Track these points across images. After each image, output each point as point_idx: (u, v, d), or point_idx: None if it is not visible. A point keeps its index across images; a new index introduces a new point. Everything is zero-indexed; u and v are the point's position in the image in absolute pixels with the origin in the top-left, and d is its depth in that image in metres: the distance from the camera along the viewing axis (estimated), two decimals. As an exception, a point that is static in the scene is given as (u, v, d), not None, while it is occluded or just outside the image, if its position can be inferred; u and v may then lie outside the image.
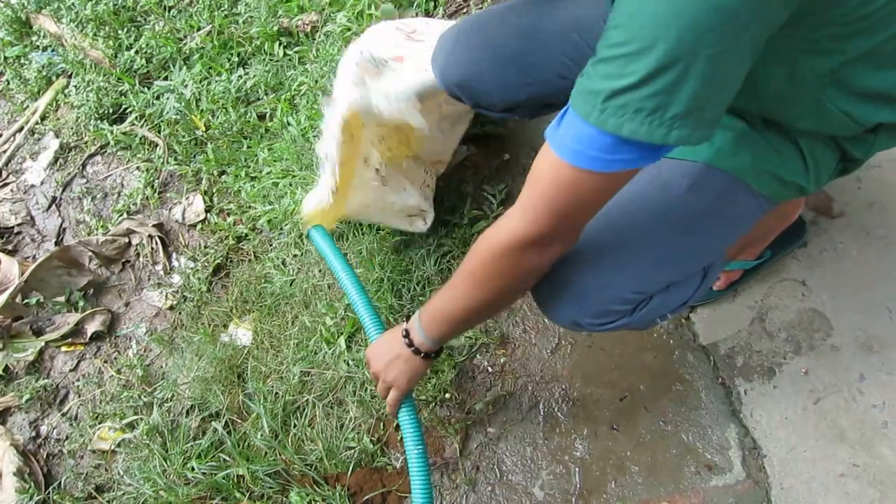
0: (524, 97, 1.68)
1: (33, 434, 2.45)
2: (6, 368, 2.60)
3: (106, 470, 2.26)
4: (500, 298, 1.38)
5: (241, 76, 3.01)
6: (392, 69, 1.86)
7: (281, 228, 2.53)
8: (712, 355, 1.93)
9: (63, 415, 2.45)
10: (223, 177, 2.81)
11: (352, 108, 1.83)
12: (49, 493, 2.26)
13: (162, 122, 3.01)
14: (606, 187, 1.08)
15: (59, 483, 2.28)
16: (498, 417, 1.98)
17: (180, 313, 2.52)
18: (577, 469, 1.86)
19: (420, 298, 2.16)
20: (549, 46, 1.60)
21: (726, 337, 1.94)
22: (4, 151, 3.35)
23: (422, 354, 1.50)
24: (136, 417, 2.26)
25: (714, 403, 1.88)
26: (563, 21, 1.60)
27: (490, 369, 2.05)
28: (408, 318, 1.57)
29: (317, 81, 2.85)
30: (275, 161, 2.70)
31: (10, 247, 2.97)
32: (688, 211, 1.34)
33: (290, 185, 2.57)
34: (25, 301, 2.72)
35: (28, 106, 3.45)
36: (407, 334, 1.50)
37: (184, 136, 2.92)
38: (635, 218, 1.36)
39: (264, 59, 3.05)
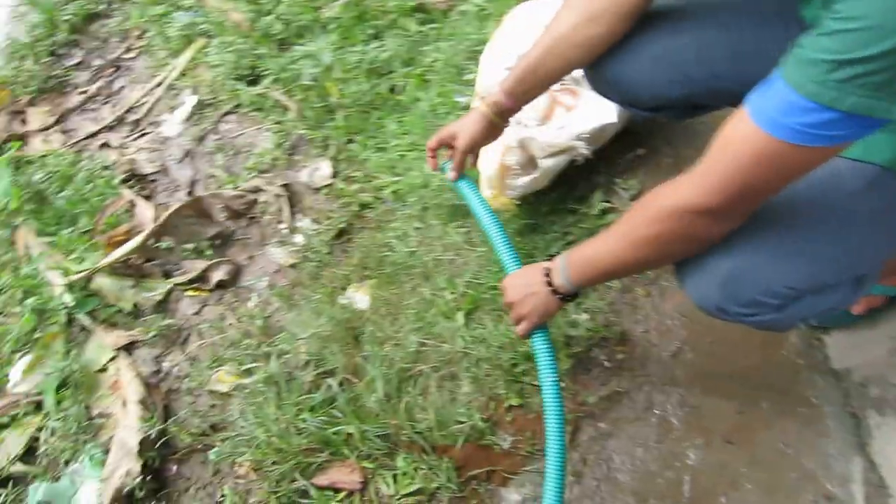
0: (675, 95, 1.62)
1: (156, 369, 2.55)
2: (136, 305, 2.72)
3: (221, 411, 2.32)
4: (656, 261, 1.39)
5: (375, 48, 3.03)
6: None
7: (405, 200, 2.54)
8: (844, 382, 1.83)
9: (185, 354, 2.54)
10: (351, 145, 2.84)
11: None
12: (167, 424, 2.34)
13: (296, 86, 3.07)
14: (804, 164, 1.05)
15: (177, 417, 2.36)
16: (610, 414, 1.94)
17: (301, 272, 2.56)
18: (687, 477, 1.81)
19: (542, 284, 2.13)
20: (708, 44, 1.54)
21: (861, 364, 1.84)
22: (145, 104, 3.48)
23: (559, 296, 1.51)
24: (253, 365, 2.32)
25: (840, 432, 1.78)
26: (722, 19, 1.54)
27: (607, 364, 2.01)
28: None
29: (449, 59, 2.85)
30: (403, 134, 2.72)
31: (145, 192, 3.10)
32: (859, 211, 1.27)
33: (417, 158, 2.58)
34: (157, 245, 2.82)
35: (168, 62, 3.58)
36: (548, 273, 1.51)
37: (316, 102, 2.97)
38: (804, 210, 1.29)
39: (398, 34, 3.07)
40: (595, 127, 2.19)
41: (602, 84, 1.73)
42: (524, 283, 1.58)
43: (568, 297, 1.53)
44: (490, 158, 2.22)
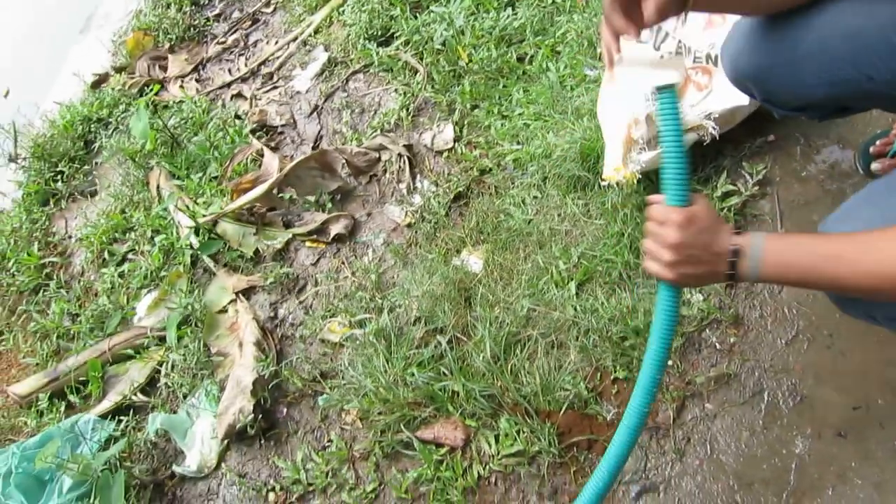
0: (820, 96, 1.61)
1: (272, 314, 2.79)
2: (256, 251, 2.96)
3: (331, 360, 2.53)
4: (885, 297, 1.24)
5: (508, 16, 3.14)
6: None
7: (525, 169, 2.65)
8: (970, 384, 1.84)
9: (300, 303, 2.76)
10: (475, 111, 2.97)
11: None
12: (280, 367, 2.57)
13: (425, 49, 3.22)
14: None
15: (290, 362, 2.58)
16: (718, 395, 2.01)
17: (417, 232, 2.73)
18: (794, 466, 1.86)
19: (659, 262, 2.21)
20: (862, 45, 1.48)
21: None
22: (278, 58, 3.72)
23: (729, 274, 1.32)
24: (366, 317, 2.51)
25: (961, 436, 1.79)
26: (882, 20, 1.44)
27: (718, 346, 2.08)
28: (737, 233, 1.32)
29: (582, 32, 2.92)
30: (529, 103, 2.82)
31: (272, 144, 3.34)
32: None
33: (542, 128, 2.68)
34: (280, 195, 3.06)
35: (304, 19, 3.81)
36: (736, 253, 1.30)
37: (444, 67, 3.12)
38: None
39: (532, 3, 3.16)
40: (726, 108, 2.24)
41: (742, 80, 1.74)
42: (702, 244, 1.31)
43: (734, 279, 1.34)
44: (617, 130, 2.30)
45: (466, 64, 3.06)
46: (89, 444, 2.56)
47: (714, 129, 2.21)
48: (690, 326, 2.11)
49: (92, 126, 3.96)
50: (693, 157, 2.30)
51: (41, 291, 3.35)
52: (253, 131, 3.38)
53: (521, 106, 2.83)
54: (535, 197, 2.57)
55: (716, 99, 2.26)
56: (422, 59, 3.21)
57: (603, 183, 2.34)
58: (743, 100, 2.20)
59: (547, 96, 2.76)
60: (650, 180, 2.33)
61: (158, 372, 2.81)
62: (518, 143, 2.74)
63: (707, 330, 2.11)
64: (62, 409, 2.83)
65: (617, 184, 2.31)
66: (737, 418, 1.97)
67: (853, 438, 1.85)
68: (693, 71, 2.32)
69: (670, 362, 2.08)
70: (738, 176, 2.30)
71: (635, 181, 2.28)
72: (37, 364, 3.08)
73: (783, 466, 1.87)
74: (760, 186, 2.25)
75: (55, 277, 3.36)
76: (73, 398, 2.82)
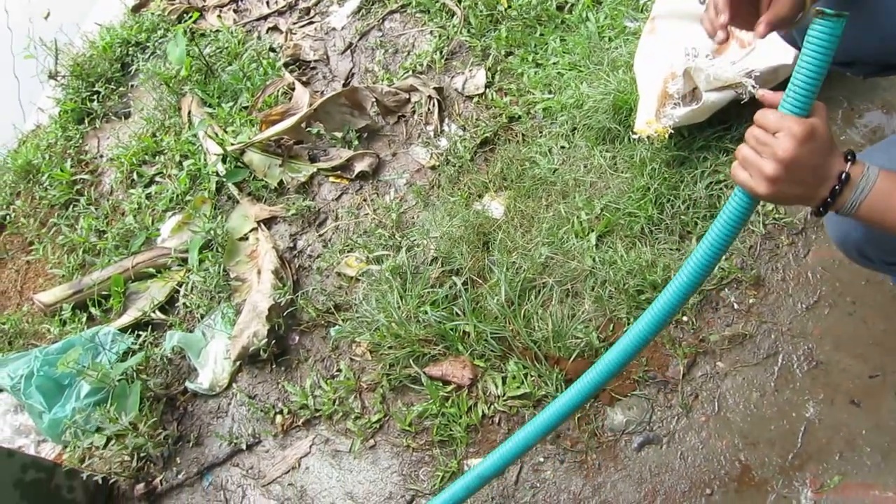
0: (870, 51, 1.53)
1: (291, 245, 2.74)
2: (281, 183, 2.90)
3: (346, 293, 2.48)
4: None
5: (550, -37, 3.01)
6: None
7: (555, 118, 2.56)
8: None
9: (319, 236, 2.71)
10: (509, 57, 2.87)
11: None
12: (296, 297, 2.52)
13: (465, -8, 3.10)
14: None
15: (305, 292, 2.54)
16: (731, 355, 1.94)
17: (440, 174, 2.65)
18: (802, 429, 1.79)
19: (682, 217, 2.13)
20: None
21: None
22: (316, -8, 3.62)
23: (823, 203, 1.17)
24: (383, 253, 2.45)
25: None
26: None
27: (735, 306, 2.00)
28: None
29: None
30: (564, 52, 2.71)
31: (304, 78, 3.26)
32: None
33: (576, 78, 2.58)
34: (308, 129, 2.99)
35: (345, -46, 3.68)
36: (844, 181, 1.14)
37: (482, 11, 3.00)
38: None
39: (576, -49, 3.02)
40: (769, 66, 2.12)
41: (790, 32, 1.66)
42: (813, 164, 1.14)
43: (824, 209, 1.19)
44: (653, 83, 2.20)
45: (505, 9, 2.94)
46: (108, 355, 2.54)
47: (754, 87, 2.10)
48: (709, 285, 2.03)
49: (130, 49, 3.90)
50: (730, 115, 2.22)
51: (71, 207, 3.32)
52: (286, 65, 3.30)
53: (557, 55, 2.72)
54: (563, 147, 2.48)
55: (758, 56, 2.14)
56: (460, 1, 3.10)
57: (633, 136, 2.24)
58: (786, 58, 2.08)
59: (584, 46, 2.66)
60: (682, 136, 2.24)
61: (178, 292, 2.78)
62: (550, 91, 2.64)
63: (726, 289, 2.03)
64: (84, 320, 2.82)
65: (647, 137, 2.21)
66: (748, 379, 1.90)
67: (866, 406, 1.78)
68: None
69: (685, 318, 2.00)
70: (774, 138, 2.19)
71: (666, 136, 2.18)
72: (63, 275, 3.06)
73: (791, 429, 1.80)
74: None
75: (85, 194, 3.34)
76: (94, 311, 2.81)
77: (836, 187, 1.13)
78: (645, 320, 1.33)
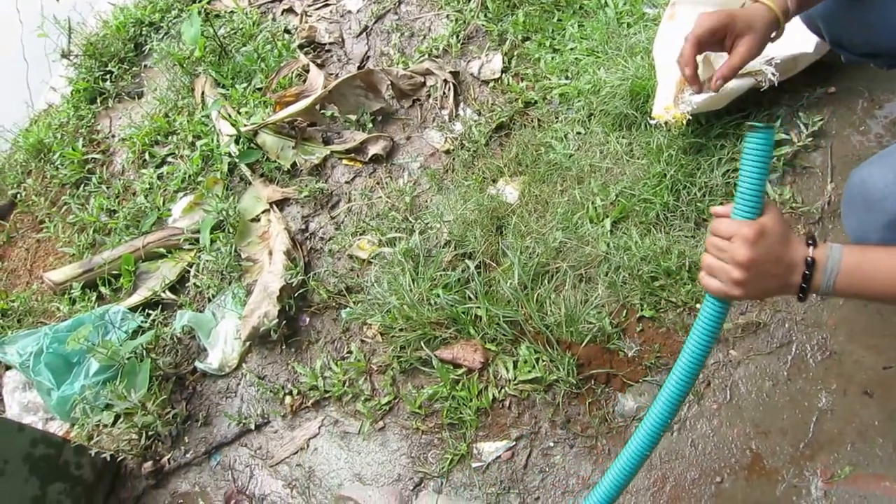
0: (893, 43, 1.55)
1: (303, 227, 2.77)
2: (294, 165, 2.93)
3: (358, 275, 2.51)
4: None
5: (569, -52, 3.02)
6: None
7: (571, 104, 2.58)
8: None
9: (331, 218, 2.74)
10: (526, 42, 2.89)
11: None
12: (307, 278, 2.56)
13: (482, -24, 3.12)
14: None
15: (317, 273, 2.57)
16: (744, 343, 1.96)
17: (455, 159, 2.67)
18: (814, 419, 1.81)
19: (698, 204, 2.15)
20: None
21: None
22: (332, -26, 3.64)
23: (800, 289, 1.22)
24: (396, 236, 2.48)
25: None
26: None
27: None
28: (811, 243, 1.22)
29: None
30: (582, 38, 2.73)
31: (319, 60, 3.28)
32: None
33: (593, 64, 2.60)
34: (322, 111, 3.01)
35: (362, -64, 3.70)
36: (809, 265, 1.19)
37: (500, -4, 3.02)
38: None
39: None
40: (789, 55, 2.14)
41: (813, 19, 1.67)
42: (775, 256, 1.19)
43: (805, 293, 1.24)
44: (672, 69, 2.21)
45: (523, -7, 2.96)
46: (118, 333, 2.58)
47: (773, 75, 2.11)
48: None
49: (143, 29, 3.94)
50: (748, 103, 2.23)
51: (82, 186, 3.37)
52: (301, 46, 3.33)
53: (574, 41, 2.74)
54: (579, 133, 2.50)
55: (778, 45, 2.15)
56: (478, -14, 3.12)
57: (651, 121, 2.26)
58: (807, 47, 2.09)
59: (602, 32, 2.67)
60: (699, 123, 2.26)
61: (188, 272, 2.82)
62: (567, 77, 2.66)
63: (740, 278, 2.04)
64: (93, 299, 2.87)
65: (665, 123, 2.23)
66: (761, 367, 1.92)
67: (879, 398, 1.80)
68: (756, 14, 2.21)
69: (699, 305, 2.02)
70: (793, 126, 2.21)
71: (684, 122, 2.20)
72: (73, 254, 3.11)
73: (803, 419, 1.82)
74: (815, 138, 2.16)
75: (96, 174, 3.38)
76: (104, 290, 2.85)
77: (806, 273, 1.19)
78: (640, 436, 1.35)
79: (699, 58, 2.17)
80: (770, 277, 1.21)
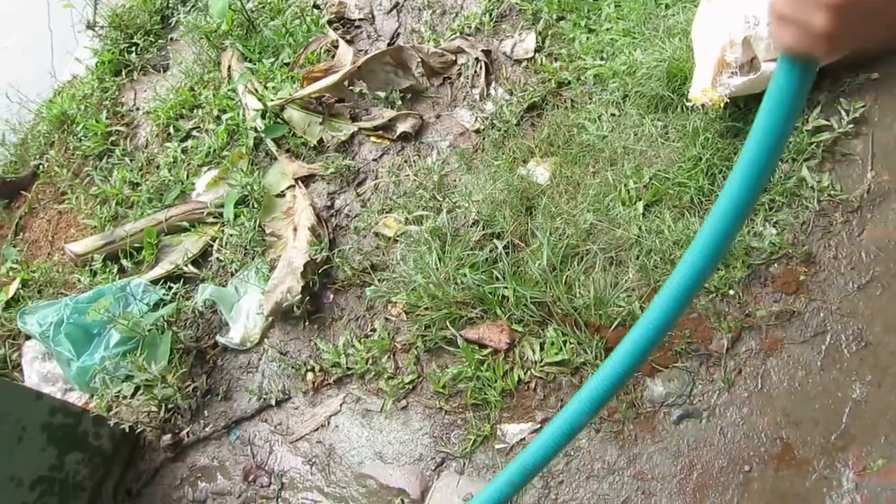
0: None
1: (328, 203, 2.79)
2: (320, 141, 2.96)
3: (384, 253, 2.53)
4: None
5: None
6: None
7: (606, 85, 2.58)
8: None
9: (357, 195, 2.76)
10: (561, 22, 2.89)
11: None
12: (332, 255, 2.58)
13: (518, -46, 3.12)
14: None
15: (342, 251, 2.60)
16: (777, 331, 1.96)
17: (485, 138, 2.69)
18: (848, 410, 1.82)
19: (735, 190, 2.14)
20: None
21: None
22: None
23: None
24: (423, 214, 2.49)
25: None
26: None
27: (784, 282, 2.02)
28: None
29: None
30: (619, 18, 2.73)
31: (348, 36, 3.30)
32: None
33: (629, 45, 2.59)
34: (351, 87, 3.03)
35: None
36: None
37: (534, -27, 3.02)
38: None
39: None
40: None
41: None
42: None
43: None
44: (710, 51, 2.21)
45: (558, -27, 2.96)
46: (139, 305, 2.62)
47: None
48: (759, 259, 2.05)
49: (170, 1, 3.97)
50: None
51: (105, 158, 3.41)
52: (330, 22, 3.35)
53: (611, 21, 2.74)
54: (613, 114, 2.51)
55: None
56: (512, -36, 3.12)
57: (688, 104, 2.26)
58: None
59: (639, 13, 2.67)
60: (737, 107, 2.26)
61: (211, 246, 2.85)
62: (602, 58, 2.66)
63: (776, 265, 2.05)
64: (115, 271, 2.91)
65: (702, 106, 2.22)
66: (794, 356, 1.92)
67: (915, 390, 1.79)
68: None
69: (731, 292, 2.03)
70: (834, 112, 2.20)
71: (721, 105, 2.20)
72: (94, 226, 3.15)
73: (836, 409, 1.82)
74: (856, 125, 2.16)
75: (120, 146, 3.42)
76: (125, 262, 2.89)
77: None
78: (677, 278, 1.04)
79: (740, 39, 2.19)
80: (876, 14, 0.82)
